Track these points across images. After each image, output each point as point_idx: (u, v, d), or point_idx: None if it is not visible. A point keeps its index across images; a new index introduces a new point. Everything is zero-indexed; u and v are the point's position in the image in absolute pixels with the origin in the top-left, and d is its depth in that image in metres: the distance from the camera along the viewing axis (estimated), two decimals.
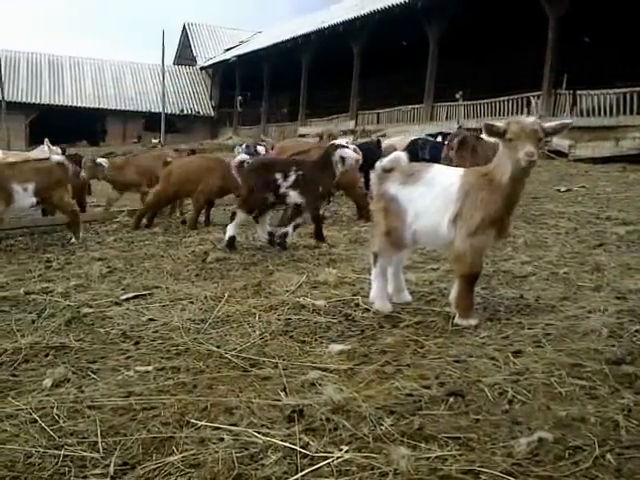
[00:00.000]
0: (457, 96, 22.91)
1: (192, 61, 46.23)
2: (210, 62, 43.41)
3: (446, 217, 3.53)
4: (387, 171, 3.86)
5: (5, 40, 41.31)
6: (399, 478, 2.05)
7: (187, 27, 47.93)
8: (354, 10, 27.09)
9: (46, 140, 10.79)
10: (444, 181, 3.64)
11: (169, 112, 39.62)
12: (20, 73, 40.47)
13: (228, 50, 42.84)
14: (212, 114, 43.42)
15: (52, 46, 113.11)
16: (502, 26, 22.14)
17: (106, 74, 43.24)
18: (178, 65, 46.47)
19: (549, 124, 3.49)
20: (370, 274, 4.00)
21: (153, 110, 40.86)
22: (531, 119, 3.49)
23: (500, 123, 3.48)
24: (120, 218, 8.27)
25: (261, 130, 33.81)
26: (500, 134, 3.39)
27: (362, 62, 27.06)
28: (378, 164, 3.93)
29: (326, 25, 27.87)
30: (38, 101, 39.48)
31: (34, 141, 36.07)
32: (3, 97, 35.88)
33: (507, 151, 3.38)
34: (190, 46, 47.15)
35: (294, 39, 30.65)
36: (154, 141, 35.06)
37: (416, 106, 24.11)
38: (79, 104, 40.45)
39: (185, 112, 42.65)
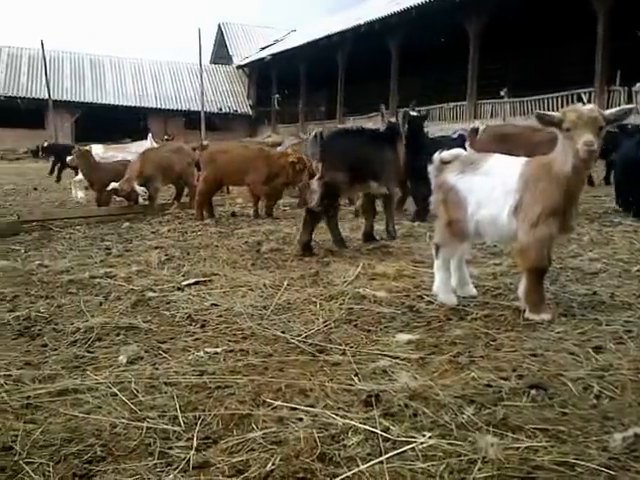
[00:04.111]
0: (502, 93, 22.52)
1: (228, 60, 46.60)
2: (246, 61, 43.71)
3: (506, 208, 3.46)
4: (446, 162, 3.83)
5: (49, 40, 42.43)
6: (488, 466, 2.03)
7: (222, 27, 48.38)
8: (390, 6, 26.77)
9: (150, 135, 11.24)
10: (503, 171, 3.56)
11: (208, 111, 39.91)
12: (64, 72, 41.29)
13: (263, 49, 43.08)
14: (250, 112, 43.71)
15: (93, 46, 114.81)
16: (547, 20, 21.80)
17: (146, 73, 43.85)
18: (215, 64, 46.85)
19: (609, 111, 3.33)
20: (432, 267, 3.97)
21: (192, 109, 41.28)
22: (589, 106, 3.34)
23: (555, 112, 3.41)
24: (171, 210, 8.40)
25: (299, 128, 33.91)
26: (556, 124, 3.28)
27: (400, 59, 26.89)
28: (436, 156, 3.90)
29: (362, 22, 27.75)
30: (82, 100, 40.21)
31: (80, 139, 36.88)
32: (50, 96, 36.67)
33: (565, 141, 3.27)
34: (226, 45, 47.58)
35: (329, 37, 30.64)
36: (165, 137, 35.40)
37: (459, 103, 23.86)
38: (120, 103, 41.07)
39: (224, 111, 42.99)
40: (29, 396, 2.62)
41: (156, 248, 5.87)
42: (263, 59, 39.34)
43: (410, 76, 28.14)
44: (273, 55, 37.77)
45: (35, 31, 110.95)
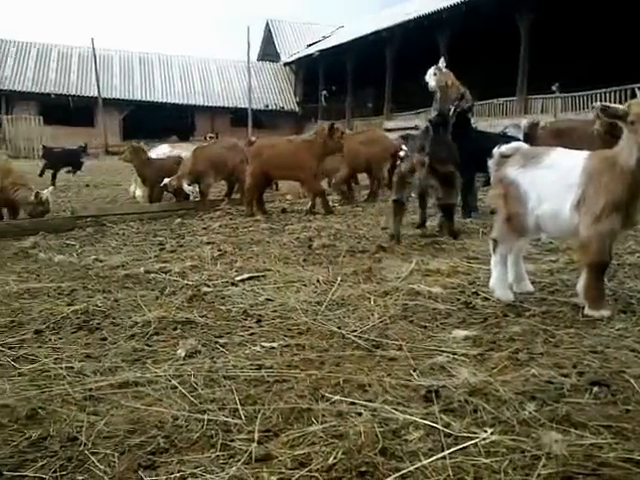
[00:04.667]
0: (553, 88, 21.98)
1: (276, 57, 46.76)
2: (293, 58, 43.79)
3: (568, 202, 3.38)
4: (506, 157, 3.76)
5: (99, 39, 43.44)
6: (552, 462, 1.99)
7: (270, 23, 48.53)
8: (439, 1, 26.28)
9: (209, 135, 11.44)
10: (565, 165, 3.48)
11: (255, 108, 40.14)
12: (113, 71, 42.00)
13: (311, 45, 43.06)
14: (296, 109, 43.82)
15: (142, 44, 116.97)
16: (599, 14, 21.21)
17: (193, 71, 44.28)
18: (262, 61, 47.08)
19: None
20: (487, 263, 3.92)
21: (239, 106, 41.59)
22: None
23: (619, 105, 3.32)
24: (222, 206, 8.50)
25: (346, 124, 33.83)
26: (620, 116, 3.19)
27: (449, 54, 26.50)
28: (496, 150, 3.85)
29: (411, 17, 27.50)
30: (130, 98, 40.87)
31: (128, 136, 37.63)
32: (99, 94, 37.46)
33: (630, 135, 3.18)
34: (273, 42, 47.69)
35: (377, 33, 30.43)
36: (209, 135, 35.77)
37: (508, 99, 23.44)
38: (168, 100, 41.61)
39: (270, 108, 43.19)
40: (91, 388, 2.68)
41: (208, 244, 5.94)
42: (311, 55, 39.34)
43: (459, 72, 27.69)
44: (321, 51, 37.76)
45: (85, 29, 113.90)
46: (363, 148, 9.12)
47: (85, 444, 2.20)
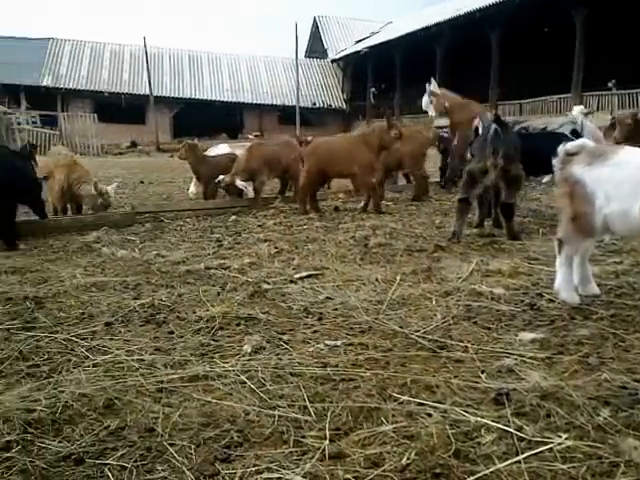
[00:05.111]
0: (610, 84, 21.46)
1: (323, 54, 46.79)
2: (341, 54, 43.71)
3: (637, 201, 3.30)
4: (571, 155, 3.69)
5: (150, 37, 44.11)
6: (632, 470, 1.95)
7: (318, 20, 48.61)
8: None
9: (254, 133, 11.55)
10: (635, 162, 3.40)
11: (302, 105, 40.28)
12: (164, 69, 42.73)
13: (359, 42, 42.93)
14: (344, 107, 43.79)
15: (192, 42, 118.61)
16: None
17: (241, 68, 44.71)
18: (309, 58, 47.15)
19: None
20: (549, 264, 3.85)
21: (287, 103, 41.79)
22: None
23: None
24: (275, 203, 8.57)
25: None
26: None
27: (500, 50, 26.11)
28: (561, 148, 3.78)
29: (461, 13, 27.13)
30: (180, 95, 41.50)
31: (178, 134, 38.29)
32: (151, 92, 38.16)
33: None
34: (321, 39, 47.77)
35: (427, 28, 30.18)
36: (254, 134, 35.94)
37: (562, 96, 22.95)
38: (217, 98, 42.09)
39: (317, 105, 43.27)
40: (163, 380, 2.74)
41: (265, 241, 6.00)
42: (359, 52, 39.24)
43: (511, 68, 27.29)
44: (369, 48, 37.59)
45: (136, 28, 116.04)
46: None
47: (162, 435, 2.26)
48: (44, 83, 38.91)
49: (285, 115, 41.28)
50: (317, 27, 48.50)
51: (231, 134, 38.49)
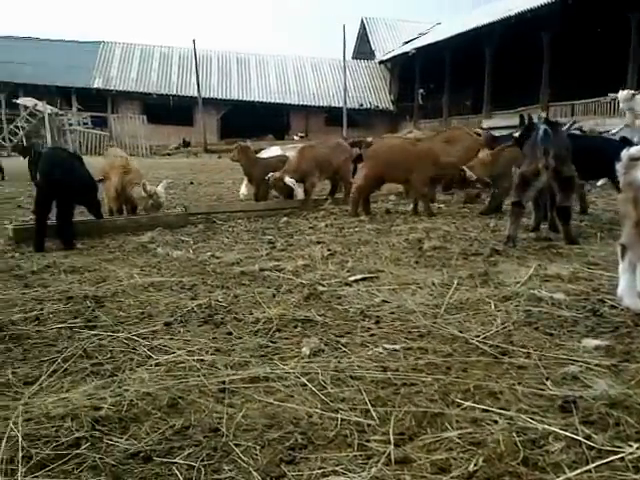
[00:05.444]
0: None
1: (370, 55, 46.63)
2: (389, 56, 43.50)
3: None
4: (635, 159, 3.59)
5: (198, 39, 44.71)
6: None
7: (365, 21, 48.46)
8: None
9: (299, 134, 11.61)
10: None
11: (349, 107, 40.22)
12: (212, 70, 43.25)
13: (407, 43, 42.62)
14: (391, 108, 43.58)
15: (239, 44, 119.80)
16: None
17: (288, 70, 44.87)
18: (356, 59, 47.07)
19: None
20: (609, 269, 3.76)
21: (333, 105, 41.81)
22: None
23: None
24: (326, 205, 8.59)
25: (443, 123, 33.32)
26: None
27: (552, 51, 25.57)
28: (625, 152, 3.68)
29: (512, 13, 26.67)
30: (228, 97, 41.93)
31: (225, 135, 38.76)
32: (199, 94, 38.69)
33: None
34: (368, 40, 47.59)
35: (477, 29, 29.75)
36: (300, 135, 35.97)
37: (615, 96, 22.35)
38: (264, 100, 42.35)
39: (364, 107, 43.15)
40: (224, 381, 2.77)
41: (317, 243, 6.01)
42: (407, 53, 38.94)
43: (563, 69, 26.72)
44: (417, 49, 37.32)
45: (185, 30, 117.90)
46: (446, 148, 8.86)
47: (227, 435, 2.28)
48: (95, 85, 39.84)
49: (332, 116, 41.28)
50: (364, 28, 48.38)
51: (278, 135, 38.68)
